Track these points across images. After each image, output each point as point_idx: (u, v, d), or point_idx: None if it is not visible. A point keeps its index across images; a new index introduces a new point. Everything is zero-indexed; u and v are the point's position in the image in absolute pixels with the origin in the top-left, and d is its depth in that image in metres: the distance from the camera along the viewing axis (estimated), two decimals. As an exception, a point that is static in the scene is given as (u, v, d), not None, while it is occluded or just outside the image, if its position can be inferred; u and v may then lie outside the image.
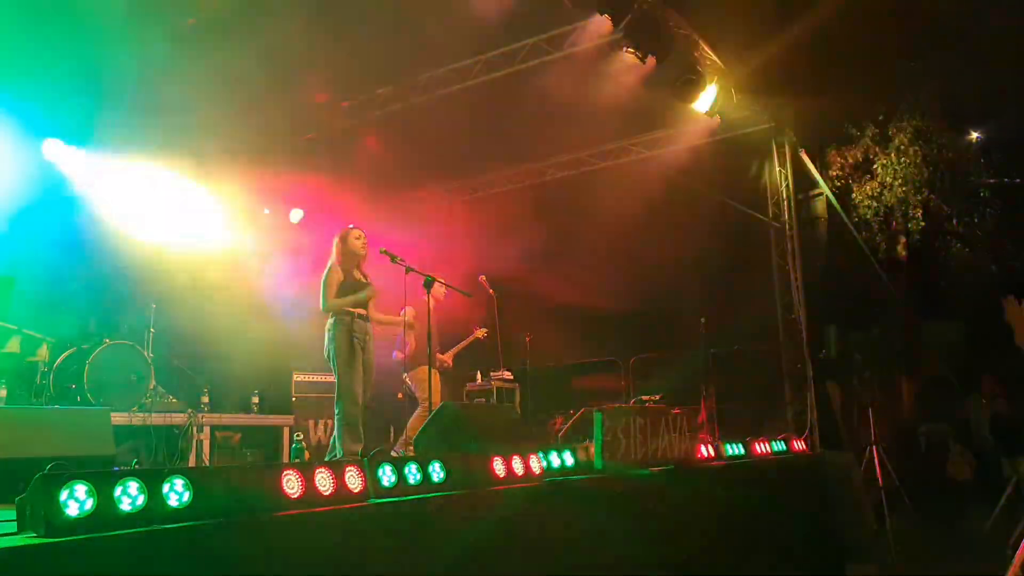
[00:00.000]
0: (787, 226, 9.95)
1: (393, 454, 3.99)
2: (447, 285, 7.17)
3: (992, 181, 11.92)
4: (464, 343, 8.56)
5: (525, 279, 11.79)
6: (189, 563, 2.45)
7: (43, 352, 6.91)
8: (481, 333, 8.51)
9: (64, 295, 7.46)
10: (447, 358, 8.35)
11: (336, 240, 6.26)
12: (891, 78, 11.39)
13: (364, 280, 6.25)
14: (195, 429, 7.32)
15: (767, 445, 7.45)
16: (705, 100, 8.77)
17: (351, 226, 6.33)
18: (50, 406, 6.44)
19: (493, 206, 11.11)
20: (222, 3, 7.20)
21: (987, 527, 9.12)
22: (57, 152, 7.89)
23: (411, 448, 6.36)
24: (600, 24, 7.75)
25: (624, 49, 7.84)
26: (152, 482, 2.50)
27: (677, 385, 9.60)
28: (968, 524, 9.83)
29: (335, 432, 6.02)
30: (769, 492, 6.75)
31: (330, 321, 6.05)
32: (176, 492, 2.55)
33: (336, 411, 5.94)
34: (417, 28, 7.77)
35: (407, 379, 7.73)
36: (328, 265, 6.17)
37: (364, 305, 6.17)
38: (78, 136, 7.92)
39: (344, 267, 6.14)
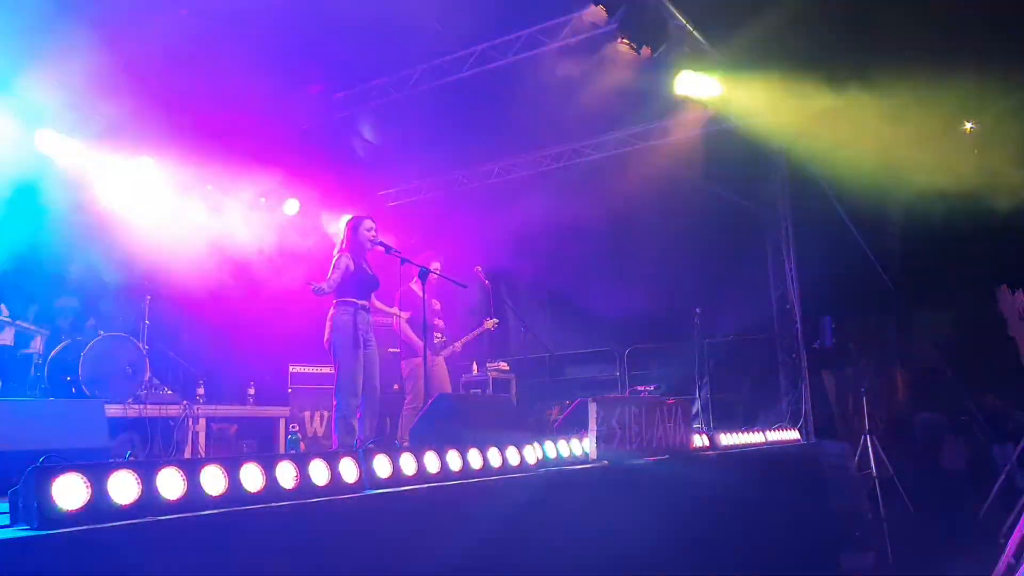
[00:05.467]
0: (781, 216, 9.96)
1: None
2: (442, 276, 7.15)
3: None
4: (474, 333, 8.28)
5: (520, 270, 11.82)
6: (184, 555, 2.45)
7: (37, 344, 6.88)
8: (491, 324, 8.24)
9: (58, 287, 7.43)
10: (457, 346, 8.14)
11: (347, 228, 6.17)
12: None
13: (370, 271, 6.19)
14: (191, 421, 7.31)
15: (762, 435, 7.48)
16: (699, 91, 8.76)
17: (365, 216, 6.24)
18: (44, 398, 6.42)
19: (486, 198, 11.09)
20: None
21: (981, 516, 9.18)
22: (50, 142, 7.83)
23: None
24: (594, 15, 7.72)
25: (618, 40, 7.80)
26: (146, 474, 2.50)
27: (672, 375, 9.63)
28: (962, 513, 9.89)
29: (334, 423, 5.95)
30: (764, 482, 6.77)
31: (333, 311, 5.93)
32: (170, 484, 2.55)
33: (335, 402, 5.84)
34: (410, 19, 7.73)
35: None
36: (337, 251, 6.07)
37: (367, 296, 6.10)
38: (71, 126, 7.85)
39: (354, 256, 6.05)
